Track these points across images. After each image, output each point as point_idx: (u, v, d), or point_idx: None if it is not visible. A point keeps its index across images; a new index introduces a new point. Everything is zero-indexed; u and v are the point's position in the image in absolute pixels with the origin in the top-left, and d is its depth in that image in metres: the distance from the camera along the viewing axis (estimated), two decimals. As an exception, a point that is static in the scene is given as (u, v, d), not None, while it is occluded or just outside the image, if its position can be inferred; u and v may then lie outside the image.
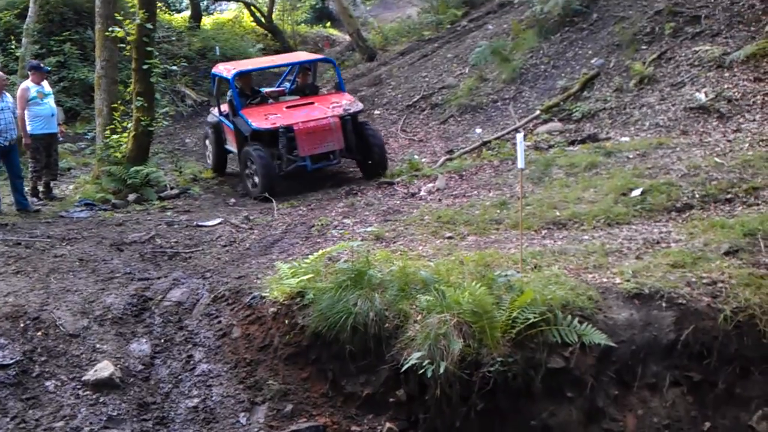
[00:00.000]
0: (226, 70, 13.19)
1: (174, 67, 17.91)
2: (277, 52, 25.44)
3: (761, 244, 7.35)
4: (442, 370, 6.20)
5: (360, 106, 12.99)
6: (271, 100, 13.16)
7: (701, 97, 11.36)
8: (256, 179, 11.77)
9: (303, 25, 28.94)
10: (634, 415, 6.43)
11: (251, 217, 10.49)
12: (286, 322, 7.20)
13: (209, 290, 8.00)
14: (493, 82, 15.18)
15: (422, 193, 10.98)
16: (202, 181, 13.01)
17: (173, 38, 22.49)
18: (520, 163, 7.32)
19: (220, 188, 12.65)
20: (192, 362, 7.33)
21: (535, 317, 6.39)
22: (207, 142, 14.26)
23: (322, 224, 9.74)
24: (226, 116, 13.05)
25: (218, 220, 10.49)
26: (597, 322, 6.50)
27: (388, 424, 6.71)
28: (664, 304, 6.61)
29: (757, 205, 8.42)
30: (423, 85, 16.61)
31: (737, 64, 11.68)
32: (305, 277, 7.37)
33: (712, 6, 13.21)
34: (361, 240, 8.59)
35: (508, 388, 6.32)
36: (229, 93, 12.94)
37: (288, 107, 12.31)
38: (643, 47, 13.32)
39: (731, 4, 13.01)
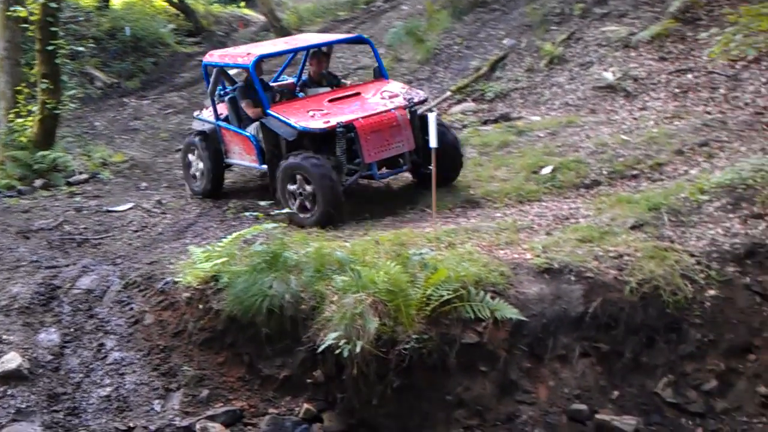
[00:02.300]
0: (239, 56, 9.94)
1: (81, 48, 17.31)
2: (189, 32, 24.90)
3: (665, 218, 7.62)
4: (358, 350, 6.24)
5: (422, 94, 10.01)
6: (300, 94, 10.13)
7: (609, 76, 11.64)
8: (308, 203, 8.74)
9: (216, 4, 28.37)
10: (545, 386, 6.61)
11: (164, 202, 10.29)
12: (201, 306, 7.13)
13: (120, 277, 7.85)
14: (408, 62, 15.21)
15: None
16: (113, 165, 12.63)
17: (81, 18, 21.72)
18: (433, 143, 7.39)
19: (131, 172, 12.33)
20: (103, 351, 7.19)
21: (449, 294, 6.50)
22: (192, 157, 10.45)
23: (236, 207, 9.62)
24: (226, 119, 10.03)
25: (129, 205, 10.26)
26: (509, 297, 6.66)
27: (306, 405, 6.73)
28: (572, 278, 6.80)
29: (662, 180, 8.72)
30: (339, 65, 16.50)
31: (643, 44, 12.00)
32: (219, 261, 7.30)
33: (619, -13, 13.54)
34: (277, 222, 8.52)
35: (423, 365, 6.42)
36: (216, 90, 10.31)
37: (330, 100, 9.32)
38: (553, 28, 13.55)
39: (637, -16, 13.36)
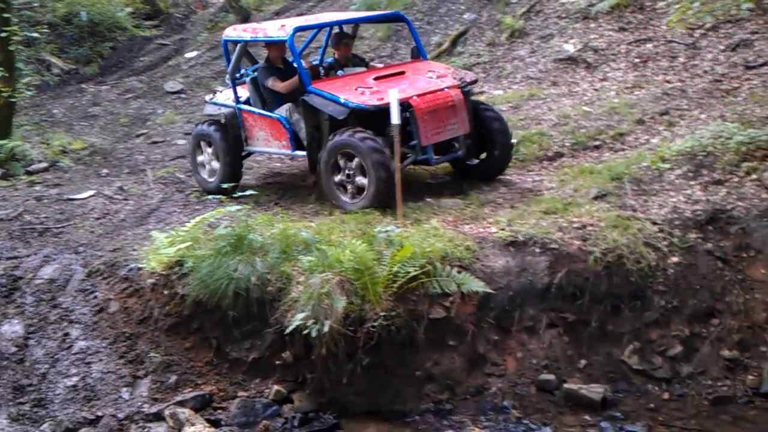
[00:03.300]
0: (270, 29, 8.90)
1: (36, 35, 16.96)
2: (147, 16, 24.52)
3: (627, 188, 7.70)
4: (326, 329, 6.23)
5: (471, 75, 9.22)
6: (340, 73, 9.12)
7: (569, 48, 11.68)
8: (360, 183, 7.94)
9: (174, -13, 27.95)
10: (514, 358, 6.67)
11: (125, 188, 10.13)
12: (166, 292, 7.06)
13: (83, 265, 7.73)
14: (369, 39, 15.10)
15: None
16: (72, 152, 12.42)
17: (35, 4, 21.29)
18: (395, 119, 7.35)
19: (91, 160, 12.13)
20: (68, 340, 7.11)
21: (415, 270, 6.51)
22: (203, 149, 9.35)
23: (200, 191, 9.51)
24: (246, 102, 9.12)
25: (90, 193, 10.09)
26: (475, 271, 6.70)
27: (275, 387, 6.72)
28: (537, 250, 6.84)
29: (623, 150, 8.79)
30: (300, 44, 16.40)
31: (602, 15, 12.03)
32: (183, 246, 7.22)
33: (576, -42, 13.53)
34: (241, 204, 8.44)
35: (392, 342, 6.43)
36: (243, 68, 9.27)
37: (376, 78, 8.46)
38: (513, 1, 13.52)
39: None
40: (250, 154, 9.55)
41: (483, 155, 8.65)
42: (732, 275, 6.83)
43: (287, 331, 6.43)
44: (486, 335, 6.65)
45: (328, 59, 9.64)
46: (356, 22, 9.82)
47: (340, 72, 8.98)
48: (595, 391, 6.42)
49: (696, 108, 9.15)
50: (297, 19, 10.56)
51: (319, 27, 9.67)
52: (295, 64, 9.02)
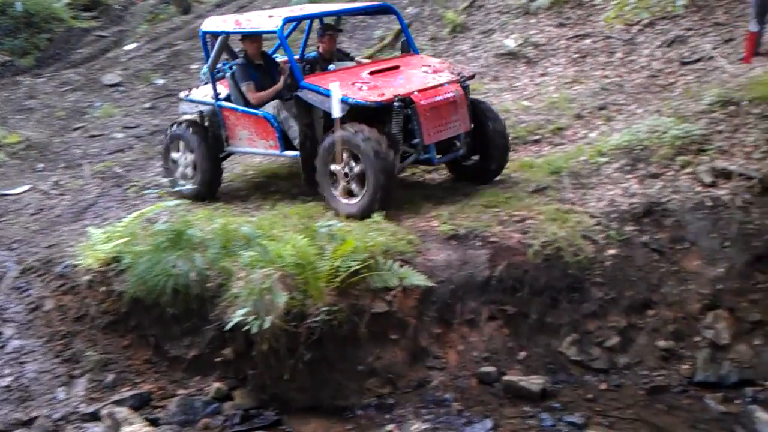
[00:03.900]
0: (255, 20, 8.35)
1: (-33, 25, 16.50)
2: (85, 7, 23.99)
3: (566, 181, 7.81)
4: (267, 325, 6.18)
5: (468, 69, 9.01)
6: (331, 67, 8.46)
7: (510, 43, 11.78)
8: (355, 186, 7.49)
9: (112, -23, 27.38)
10: (455, 350, 6.71)
11: (61, 183, 9.93)
12: (102, 289, 6.94)
13: (17, 262, 7.60)
14: (312, 33, 15.01)
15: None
16: (7, 146, 12.09)
17: (-34, -6, 20.68)
18: (336, 113, 7.31)
19: (27, 154, 11.84)
20: (2, 339, 6.96)
21: (357, 264, 6.48)
22: (178, 152, 8.70)
23: (138, 185, 9.36)
24: (227, 99, 8.52)
25: (25, 188, 9.88)
26: (417, 265, 6.71)
27: (216, 384, 6.65)
28: (478, 243, 6.90)
29: (562, 144, 8.91)
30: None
31: (542, 10, 12.17)
32: (120, 241, 7.10)
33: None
34: (181, 199, 8.33)
35: (334, 337, 6.40)
36: (217, 63, 8.68)
37: (371, 73, 7.99)
38: (456, -5, 13.61)
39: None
40: (230, 154, 9.02)
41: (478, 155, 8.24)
42: (667, 267, 6.98)
43: (228, 327, 6.35)
44: (428, 329, 6.67)
45: (310, 54, 9.20)
46: (345, 14, 9.41)
47: (332, 66, 8.43)
48: (535, 382, 6.48)
49: (633, 103, 9.32)
50: (284, 10, 10.08)
51: (306, 18, 9.23)
52: (276, 58, 8.78)
